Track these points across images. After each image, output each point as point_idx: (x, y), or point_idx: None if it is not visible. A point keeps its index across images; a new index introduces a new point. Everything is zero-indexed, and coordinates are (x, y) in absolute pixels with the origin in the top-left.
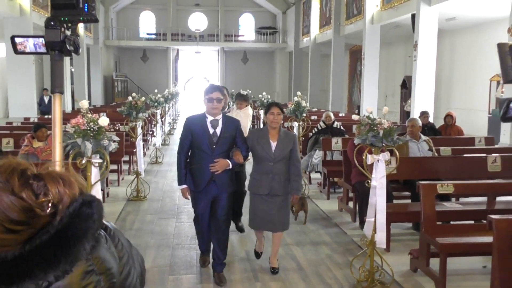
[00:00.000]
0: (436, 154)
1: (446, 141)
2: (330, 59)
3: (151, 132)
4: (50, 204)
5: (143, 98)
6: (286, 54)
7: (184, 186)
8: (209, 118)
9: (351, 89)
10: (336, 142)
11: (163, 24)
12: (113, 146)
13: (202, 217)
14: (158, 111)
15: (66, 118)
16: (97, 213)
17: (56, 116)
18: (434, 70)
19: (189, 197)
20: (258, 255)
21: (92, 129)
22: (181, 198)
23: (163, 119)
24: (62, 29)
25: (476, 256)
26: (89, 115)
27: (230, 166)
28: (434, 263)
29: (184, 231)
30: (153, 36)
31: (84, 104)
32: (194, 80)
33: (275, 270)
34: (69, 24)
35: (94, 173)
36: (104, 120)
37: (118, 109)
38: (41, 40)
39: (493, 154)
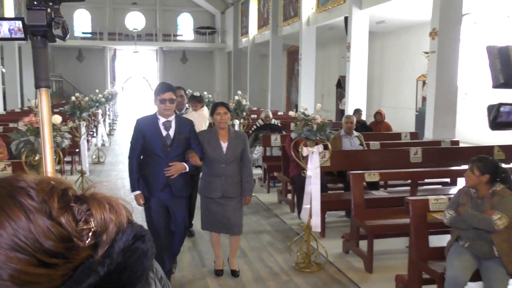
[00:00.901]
0: (366, 148)
1: (376, 136)
2: (269, 59)
3: (91, 133)
4: (90, 234)
5: (87, 98)
6: (225, 54)
7: (138, 192)
8: (161, 119)
9: (289, 88)
10: (275, 139)
11: (99, 23)
12: (66, 143)
13: (156, 223)
14: (100, 111)
15: (2, 119)
16: (152, 250)
17: (44, 116)
18: (366, 70)
19: (142, 203)
20: (219, 273)
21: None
22: (127, 195)
23: (103, 119)
24: (48, 9)
25: (400, 238)
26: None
27: (187, 169)
28: (364, 245)
29: None
30: (89, 35)
31: (34, 103)
32: (132, 80)
33: (236, 273)
34: (50, 3)
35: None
36: (57, 118)
37: (60, 109)
38: (18, 24)
39: (415, 147)
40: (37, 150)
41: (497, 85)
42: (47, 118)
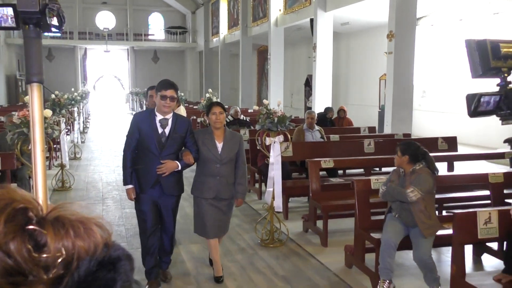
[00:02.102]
0: (326, 141)
1: (338, 130)
2: (239, 59)
3: (67, 130)
4: (51, 264)
5: (66, 96)
6: (197, 54)
7: (130, 186)
8: (159, 116)
9: (260, 87)
10: (244, 133)
11: (69, 22)
12: (56, 134)
13: (147, 219)
14: (75, 109)
15: None
16: (123, 279)
17: (36, 115)
18: (331, 69)
19: (134, 197)
20: (219, 279)
21: None
22: (105, 187)
23: (79, 117)
24: None
25: (352, 218)
26: None
27: (179, 168)
28: (320, 224)
29: (112, 212)
30: (59, 35)
31: (27, 99)
32: (104, 80)
33: (221, 278)
34: None
35: None
36: (47, 112)
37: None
38: (9, 11)
39: (368, 139)
40: (30, 141)
41: (476, 76)
42: (38, 116)
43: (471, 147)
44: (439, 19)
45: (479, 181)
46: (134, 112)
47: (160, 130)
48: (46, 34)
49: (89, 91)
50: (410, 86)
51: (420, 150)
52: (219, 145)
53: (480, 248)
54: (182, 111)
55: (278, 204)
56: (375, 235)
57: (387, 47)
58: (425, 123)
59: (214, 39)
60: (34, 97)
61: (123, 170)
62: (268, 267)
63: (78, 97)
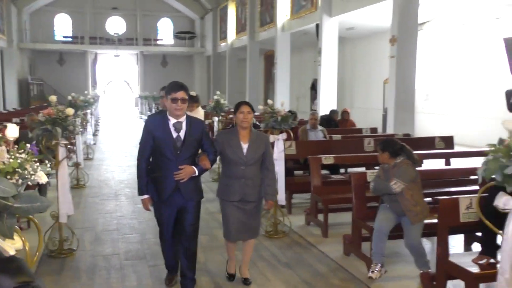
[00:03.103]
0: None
1: (341, 131)
2: (246, 63)
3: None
4: None
5: (82, 97)
6: (205, 58)
7: (146, 196)
8: (172, 120)
9: (267, 91)
10: None
11: (80, 27)
12: (77, 130)
13: (166, 229)
14: (88, 111)
15: None
16: None
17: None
18: (336, 73)
19: (151, 208)
20: (231, 277)
21: (60, 118)
22: (118, 185)
23: (91, 119)
24: None
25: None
26: (58, 107)
27: (197, 173)
28: (322, 218)
29: (125, 207)
30: (70, 39)
31: (53, 98)
32: (113, 84)
33: (248, 281)
34: None
35: (61, 152)
36: (70, 110)
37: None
38: None
39: (368, 138)
40: (53, 137)
41: None
42: None
43: (473, 148)
44: (442, 24)
45: (469, 174)
46: (143, 116)
47: (174, 135)
48: (57, 38)
49: (99, 95)
50: (412, 89)
51: (398, 145)
52: (244, 146)
53: (471, 238)
54: (200, 112)
55: (281, 198)
56: (371, 224)
57: (389, 51)
58: (428, 125)
59: (222, 44)
60: None
61: (138, 179)
62: (272, 255)
63: (92, 100)
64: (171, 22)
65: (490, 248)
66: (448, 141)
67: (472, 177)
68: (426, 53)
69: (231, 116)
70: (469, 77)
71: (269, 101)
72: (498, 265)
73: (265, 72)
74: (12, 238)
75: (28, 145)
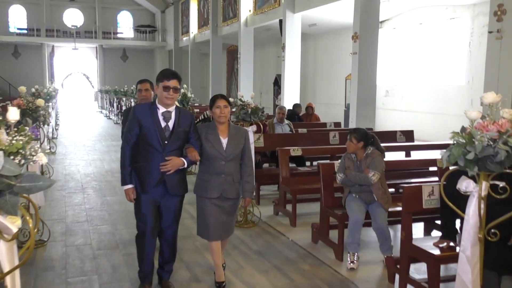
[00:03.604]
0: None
1: (306, 125)
2: (209, 58)
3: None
4: None
5: (45, 90)
6: (166, 53)
7: (129, 186)
8: (161, 109)
9: (230, 86)
10: None
11: (35, 19)
12: (48, 121)
13: (145, 221)
14: (50, 104)
15: None
16: None
17: None
18: (299, 69)
19: (133, 198)
20: (221, 285)
21: (30, 108)
22: (84, 178)
23: (52, 112)
24: None
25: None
26: (28, 98)
27: (185, 165)
28: (290, 208)
29: (93, 200)
30: (25, 32)
31: (22, 89)
32: (72, 78)
33: (223, 265)
34: None
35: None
36: (40, 101)
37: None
38: None
39: (334, 132)
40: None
41: None
42: None
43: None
44: (401, 23)
45: (429, 165)
46: (103, 110)
47: (163, 124)
48: (11, 30)
49: (58, 89)
50: (373, 85)
51: (369, 135)
52: (224, 141)
53: (430, 225)
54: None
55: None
56: (338, 211)
57: (352, 48)
58: (388, 121)
59: (184, 38)
60: None
61: (121, 168)
62: (243, 243)
63: (53, 93)
64: (131, 15)
65: (450, 232)
66: (408, 135)
67: (431, 169)
68: (386, 50)
69: (197, 110)
70: (427, 75)
71: (240, 93)
72: (461, 243)
73: (228, 67)
74: (16, 214)
75: (27, 128)
